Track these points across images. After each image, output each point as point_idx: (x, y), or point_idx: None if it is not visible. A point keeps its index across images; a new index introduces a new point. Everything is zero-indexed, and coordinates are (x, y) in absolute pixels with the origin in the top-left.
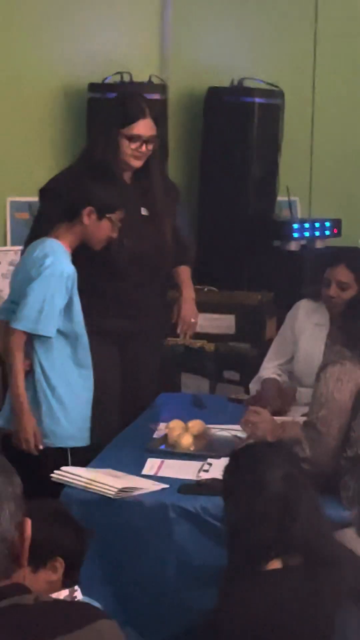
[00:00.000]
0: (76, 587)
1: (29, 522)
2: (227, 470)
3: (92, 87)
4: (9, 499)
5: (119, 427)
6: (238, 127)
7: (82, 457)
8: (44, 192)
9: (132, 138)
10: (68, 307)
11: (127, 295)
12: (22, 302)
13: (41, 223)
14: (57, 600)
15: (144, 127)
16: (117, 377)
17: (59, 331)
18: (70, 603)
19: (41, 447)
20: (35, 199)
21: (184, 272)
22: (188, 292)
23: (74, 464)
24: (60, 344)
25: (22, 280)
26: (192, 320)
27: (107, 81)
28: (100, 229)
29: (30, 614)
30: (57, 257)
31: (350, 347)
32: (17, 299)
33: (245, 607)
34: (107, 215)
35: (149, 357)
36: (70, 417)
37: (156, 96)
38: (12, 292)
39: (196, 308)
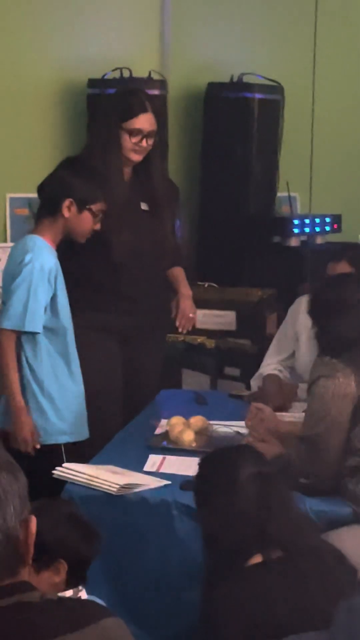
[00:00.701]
0: (80, 587)
1: (34, 520)
2: (199, 477)
3: (92, 82)
4: (14, 496)
5: (120, 424)
6: (238, 122)
7: (78, 452)
8: (41, 189)
9: (132, 132)
10: (53, 301)
11: (127, 290)
12: (7, 301)
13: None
14: (62, 598)
15: (144, 121)
16: (118, 372)
17: (44, 327)
18: (76, 601)
19: (38, 446)
20: (35, 195)
21: (179, 272)
22: (185, 290)
23: (69, 460)
24: (47, 339)
25: (5, 278)
26: (191, 315)
27: (106, 77)
28: (82, 221)
29: (36, 611)
30: (36, 252)
31: (334, 354)
32: (4, 298)
33: (232, 601)
34: (88, 207)
35: (150, 353)
36: (60, 413)
37: (156, 92)
38: (2, 292)
39: (194, 305)
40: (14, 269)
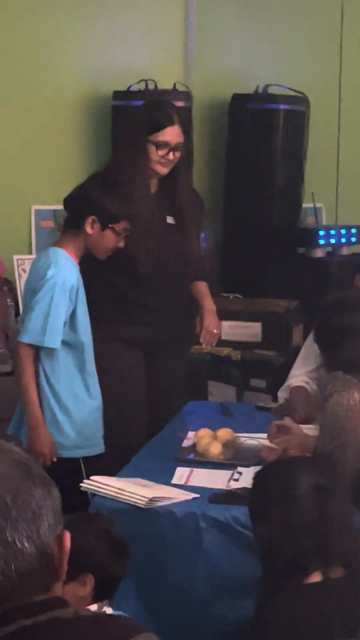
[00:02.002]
0: (106, 602)
1: (68, 535)
2: (255, 491)
3: (117, 95)
4: (48, 511)
5: (144, 436)
6: (263, 134)
7: (96, 466)
8: (67, 201)
9: (159, 145)
10: (72, 316)
11: (151, 302)
12: (27, 315)
13: None
14: (96, 615)
15: (172, 134)
16: (142, 384)
17: (63, 341)
18: (110, 617)
19: (55, 459)
20: (61, 207)
21: (202, 286)
22: (209, 304)
23: (87, 474)
24: (65, 354)
25: (27, 291)
26: (215, 331)
27: (131, 89)
28: (104, 239)
29: (70, 628)
30: (59, 267)
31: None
32: (24, 310)
33: (288, 621)
34: (111, 226)
35: (175, 365)
36: (77, 427)
37: (180, 103)
38: (24, 303)
39: (218, 320)
40: (36, 283)
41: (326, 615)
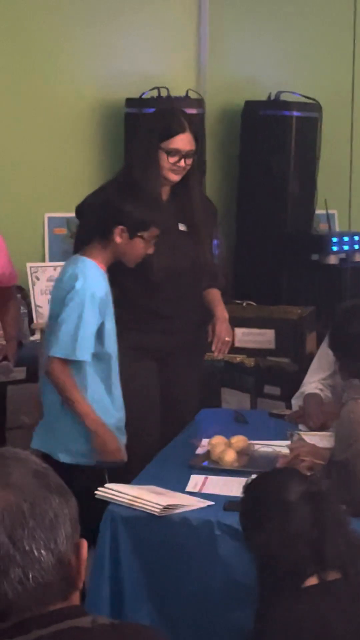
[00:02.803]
0: None
1: (85, 544)
2: (246, 502)
3: (129, 102)
4: (65, 520)
5: (158, 443)
6: (275, 140)
7: (119, 477)
8: (80, 210)
9: (171, 152)
10: (99, 328)
11: (164, 310)
12: (57, 329)
13: (78, 242)
14: (114, 623)
15: (183, 141)
16: (156, 392)
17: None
18: (128, 625)
19: (125, 458)
20: (74, 214)
21: (215, 294)
22: (221, 312)
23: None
24: (92, 365)
25: (54, 299)
26: (227, 339)
27: (144, 96)
28: (133, 247)
29: (88, 637)
30: (87, 278)
31: None
32: (51, 318)
33: (290, 625)
34: (139, 234)
35: (188, 372)
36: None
37: (193, 111)
38: (50, 313)
39: (230, 328)
40: (64, 295)
41: (326, 616)
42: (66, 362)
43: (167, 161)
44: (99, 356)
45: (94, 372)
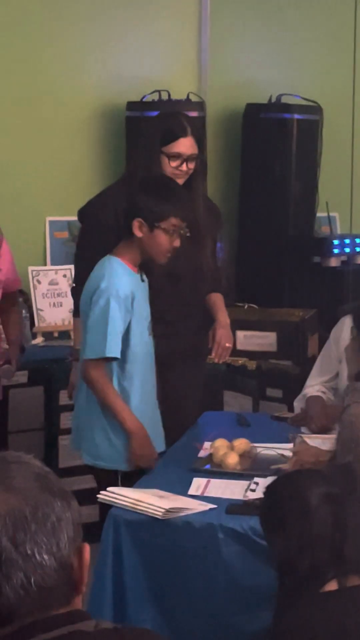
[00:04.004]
0: None
1: (87, 548)
2: (267, 504)
3: (131, 105)
4: (68, 524)
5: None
6: (276, 143)
7: (133, 478)
8: (82, 214)
9: (172, 156)
10: (127, 327)
11: (165, 315)
12: (86, 332)
13: (81, 244)
14: (117, 627)
15: (184, 145)
16: (157, 395)
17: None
18: (131, 629)
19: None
20: (75, 218)
21: (218, 298)
22: (223, 317)
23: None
24: (117, 365)
25: (83, 300)
26: (227, 345)
27: (145, 99)
28: (155, 240)
29: None
30: (112, 277)
31: None
32: (82, 321)
33: (306, 630)
34: (157, 225)
35: (191, 376)
36: (124, 439)
37: (194, 114)
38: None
39: (231, 333)
40: (91, 295)
41: (344, 622)
42: (100, 363)
43: (169, 165)
44: (123, 355)
45: (120, 372)
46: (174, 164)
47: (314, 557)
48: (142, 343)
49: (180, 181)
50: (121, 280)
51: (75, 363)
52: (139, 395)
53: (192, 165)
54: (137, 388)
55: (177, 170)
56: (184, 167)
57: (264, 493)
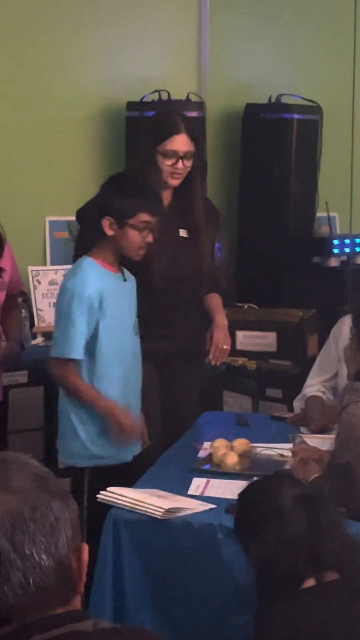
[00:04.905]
0: None
1: (86, 547)
2: (241, 510)
3: (130, 105)
4: (66, 524)
5: (161, 448)
6: (276, 143)
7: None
8: (80, 214)
9: (167, 154)
10: (95, 327)
11: (163, 316)
12: (54, 330)
13: (78, 246)
14: (116, 627)
15: (178, 142)
16: (155, 397)
17: (88, 352)
18: (130, 629)
19: (146, 439)
20: (74, 218)
21: (216, 299)
22: (220, 319)
23: (93, 486)
24: (84, 366)
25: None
26: (225, 347)
27: (145, 99)
28: (127, 237)
29: None
30: (80, 277)
31: None
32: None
33: (288, 626)
34: (126, 222)
35: (189, 377)
36: (91, 436)
37: (194, 114)
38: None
39: (228, 334)
40: (59, 293)
41: (324, 617)
42: (66, 361)
43: (164, 164)
44: (92, 355)
45: (90, 372)
46: (169, 162)
47: (290, 558)
48: (119, 343)
49: (177, 181)
50: (87, 281)
51: None
52: (114, 394)
53: (188, 164)
54: (113, 387)
55: (172, 168)
56: (179, 165)
57: (238, 498)
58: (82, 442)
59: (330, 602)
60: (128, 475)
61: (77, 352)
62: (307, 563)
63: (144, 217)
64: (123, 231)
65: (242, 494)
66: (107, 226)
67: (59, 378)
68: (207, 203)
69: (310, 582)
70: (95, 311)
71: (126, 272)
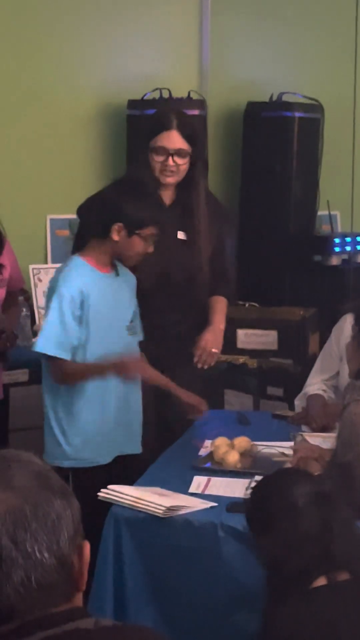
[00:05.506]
0: None
1: (87, 545)
2: (253, 504)
3: (131, 103)
4: (68, 522)
5: (159, 449)
6: (278, 141)
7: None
8: (80, 211)
9: (157, 150)
10: (79, 324)
11: (155, 319)
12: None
13: (77, 242)
14: (117, 625)
15: (168, 138)
16: (149, 398)
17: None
18: (131, 627)
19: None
20: (75, 216)
21: (219, 302)
22: (217, 321)
23: (76, 485)
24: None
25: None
26: (214, 350)
27: (146, 97)
28: (131, 245)
29: (91, 639)
30: (67, 277)
31: None
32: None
33: (296, 625)
34: (137, 232)
35: (187, 376)
36: (68, 438)
37: (195, 112)
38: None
39: (220, 337)
40: (48, 290)
41: (333, 617)
42: (57, 360)
43: (154, 160)
44: (82, 356)
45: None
46: (159, 158)
47: (302, 555)
48: (107, 343)
49: (171, 179)
50: (73, 281)
51: None
52: (87, 394)
53: (180, 162)
54: (102, 385)
55: (162, 165)
56: (169, 162)
57: (251, 493)
58: (59, 443)
59: (340, 603)
60: (126, 474)
61: (64, 352)
62: (318, 562)
63: (154, 229)
64: (130, 239)
65: (255, 487)
66: (116, 231)
67: (63, 378)
68: (214, 201)
69: (320, 582)
70: (77, 309)
71: (123, 269)
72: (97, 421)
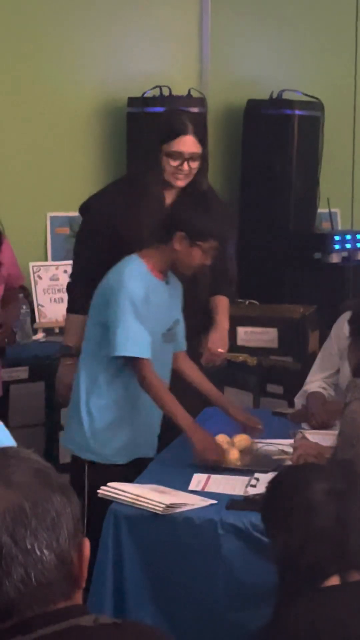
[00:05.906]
0: None
1: (87, 543)
2: (269, 499)
3: (131, 101)
4: (68, 519)
5: (161, 445)
6: (278, 139)
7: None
8: (83, 209)
9: (173, 155)
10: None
11: None
12: (111, 329)
13: (82, 241)
14: (116, 622)
15: (185, 143)
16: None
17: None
18: (130, 624)
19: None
20: (76, 214)
21: (221, 302)
22: (222, 321)
23: (93, 480)
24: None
25: (100, 294)
26: (220, 350)
27: (146, 95)
28: (190, 255)
29: (91, 636)
30: (133, 276)
31: None
32: (94, 310)
33: (307, 625)
34: (198, 243)
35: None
36: (95, 433)
37: (195, 109)
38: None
39: (226, 337)
40: (105, 291)
41: (344, 617)
42: (145, 362)
43: (168, 164)
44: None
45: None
46: (174, 163)
47: (316, 552)
48: (153, 349)
49: (182, 182)
50: (132, 282)
51: (64, 360)
52: (140, 399)
53: (194, 165)
54: (138, 391)
55: (177, 169)
56: (185, 166)
57: (267, 487)
58: (84, 433)
59: (353, 603)
60: (129, 475)
61: (144, 351)
62: (332, 558)
63: (214, 243)
64: (191, 249)
65: (272, 481)
66: (178, 240)
67: (144, 381)
68: (218, 203)
69: (334, 580)
70: (139, 312)
71: (173, 279)
72: (126, 421)
